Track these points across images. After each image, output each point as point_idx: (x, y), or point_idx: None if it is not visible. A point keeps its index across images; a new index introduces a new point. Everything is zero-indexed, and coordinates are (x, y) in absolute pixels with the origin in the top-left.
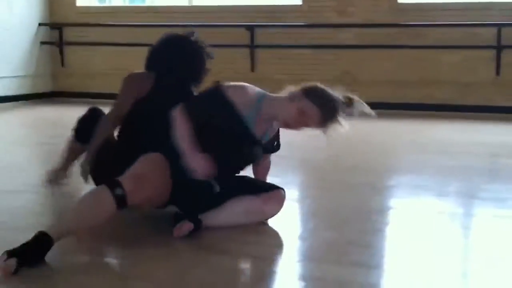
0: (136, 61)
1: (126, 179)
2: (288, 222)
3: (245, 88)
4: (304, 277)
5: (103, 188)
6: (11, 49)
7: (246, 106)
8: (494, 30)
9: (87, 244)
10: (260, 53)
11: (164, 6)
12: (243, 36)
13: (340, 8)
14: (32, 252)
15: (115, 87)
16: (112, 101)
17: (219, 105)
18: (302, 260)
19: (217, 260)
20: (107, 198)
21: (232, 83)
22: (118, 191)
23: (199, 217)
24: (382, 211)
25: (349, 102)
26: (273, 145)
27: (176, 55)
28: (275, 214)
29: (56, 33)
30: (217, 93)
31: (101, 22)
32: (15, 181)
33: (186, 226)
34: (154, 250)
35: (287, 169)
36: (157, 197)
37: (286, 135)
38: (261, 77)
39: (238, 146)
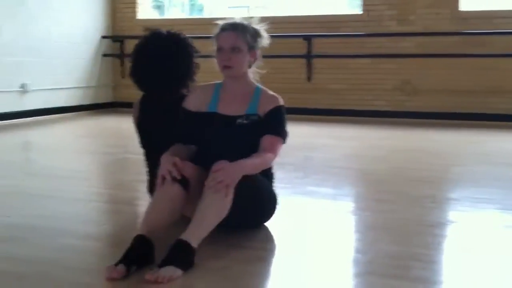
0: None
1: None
2: (346, 235)
3: (193, 89)
4: None
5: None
6: (75, 61)
7: (201, 99)
8: None
9: None
10: (317, 63)
11: (223, 17)
12: (301, 46)
13: (401, 17)
14: (133, 255)
15: None
16: None
17: (181, 117)
18: (362, 274)
19: (263, 271)
20: (169, 185)
21: None
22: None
23: (185, 239)
24: (444, 224)
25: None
26: (267, 124)
27: (160, 58)
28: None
29: (117, 45)
30: (180, 109)
31: None
32: (80, 189)
33: (166, 273)
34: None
35: (344, 180)
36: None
37: (343, 147)
38: (318, 87)
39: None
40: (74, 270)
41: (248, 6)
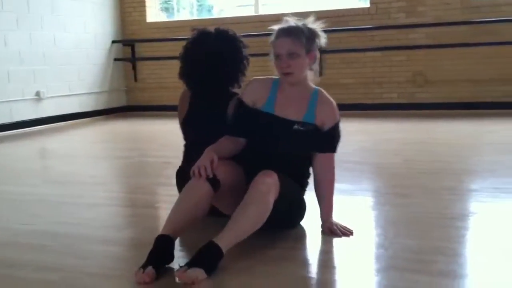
0: None
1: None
2: (367, 230)
3: (251, 83)
4: (387, 287)
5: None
6: (87, 67)
7: (258, 94)
8: None
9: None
10: (328, 58)
11: (231, 17)
12: None
13: (410, 8)
14: (159, 256)
15: None
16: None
17: (237, 110)
18: (385, 269)
19: (288, 271)
20: (200, 182)
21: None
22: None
23: (217, 242)
24: (465, 216)
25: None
26: (327, 138)
27: (210, 56)
28: (272, 186)
29: (128, 49)
30: (235, 103)
31: (170, 37)
32: (99, 194)
33: (193, 274)
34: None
35: (360, 175)
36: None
37: (357, 141)
38: (330, 82)
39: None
40: (97, 276)
41: (253, 4)
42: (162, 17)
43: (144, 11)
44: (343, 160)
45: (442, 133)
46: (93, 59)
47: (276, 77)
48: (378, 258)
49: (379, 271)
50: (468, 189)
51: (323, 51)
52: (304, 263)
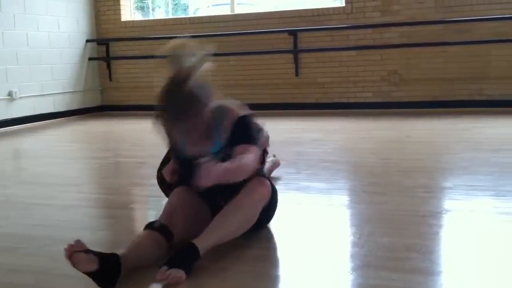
0: None
1: (160, 217)
2: (341, 229)
3: None
4: (362, 285)
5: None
6: (61, 66)
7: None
8: None
9: None
10: (304, 58)
11: (207, 16)
12: (287, 41)
13: (384, 8)
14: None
15: None
16: None
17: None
18: (360, 268)
19: (263, 270)
20: (152, 233)
21: None
22: (156, 223)
23: (197, 245)
24: (439, 214)
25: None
26: (241, 136)
27: None
28: (265, 197)
29: (103, 48)
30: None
31: (145, 36)
32: (73, 196)
33: (176, 274)
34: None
35: (336, 174)
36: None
37: (333, 140)
38: (306, 81)
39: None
40: (70, 278)
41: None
42: (137, 16)
43: (119, 9)
44: (321, 159)
45: (416, 131)
46: (67, 59)
47: None
48: (353, 256)
49: (354, 269)
50: (442, 187)
51: (299, 50)
52: (279, 262)
